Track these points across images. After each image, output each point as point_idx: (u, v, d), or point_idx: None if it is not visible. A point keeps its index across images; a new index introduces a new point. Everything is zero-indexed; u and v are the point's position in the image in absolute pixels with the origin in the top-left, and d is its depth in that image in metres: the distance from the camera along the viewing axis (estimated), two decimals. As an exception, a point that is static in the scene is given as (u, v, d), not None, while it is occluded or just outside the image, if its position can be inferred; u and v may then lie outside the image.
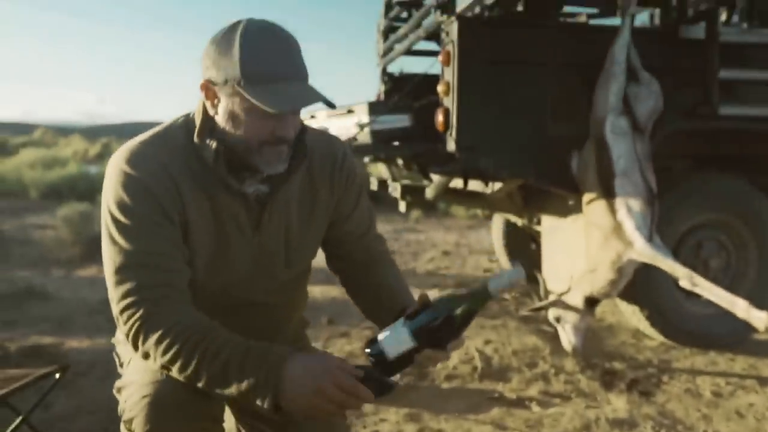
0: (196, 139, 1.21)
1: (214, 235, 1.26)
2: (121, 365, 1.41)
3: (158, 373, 1.17)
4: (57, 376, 1.94)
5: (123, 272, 1.15)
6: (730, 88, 3.19)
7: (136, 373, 1.24)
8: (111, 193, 1.18)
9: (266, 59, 1.14)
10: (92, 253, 5.64)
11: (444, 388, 2.75)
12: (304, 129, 1.29)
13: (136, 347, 1.14)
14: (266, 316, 1.39)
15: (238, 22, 1.16)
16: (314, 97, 1.16)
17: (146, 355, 1.14)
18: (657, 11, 4.03)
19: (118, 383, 1.33)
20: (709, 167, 3.42)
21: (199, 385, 1.12)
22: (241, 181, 1.24)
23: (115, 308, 1.16)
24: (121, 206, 1.17)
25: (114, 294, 1.16)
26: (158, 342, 1.11)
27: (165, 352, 1.11)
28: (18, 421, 1.95)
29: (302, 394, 1.07)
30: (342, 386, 1.07)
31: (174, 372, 1.12)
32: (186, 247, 1.23)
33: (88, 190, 10.24)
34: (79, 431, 2.32)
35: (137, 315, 1.13)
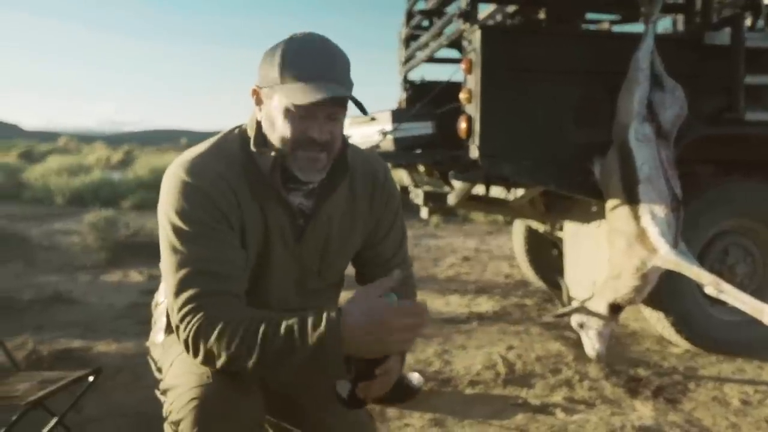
0: (253, 147, 1.25)
1: (261, 243, 1.30)
2: (159, 370, 1.44)
3: (204, 376, 1.20)
4: (91, 378, 1.99)
5: (184, 281, 1.18)
6: (755, 93, 3.16)
7: (182, 376, 1.26)
8: (170, 202, 1.22)
9: (304, 62, 1.18)
10: (117, 258, 5.74)
11: (467, 394, 2.75)
12: (346, 145, 1.32)
13: (197, 352, 1.17)
14: None
15: (290, 36, 1.23)
16: (342, 92, 1.19)
17: (209, 356, 1.16)
18: (680, 17, 4.01)
19: (162, 385, 1.35)
20: (735, 173, 3.38)
21: (269, 364, 1.14)
22: (288, 192, 1.28)
23: (176, 317, 1.18)
24: (182, 214, 1.20)
25: (175, 303, 1.19)
26: (219, 338, 1.14)
27: (229, 346, 1.14)
28: (53, 422, 2.00)
29: (367, 331, 1.11)
30: (397, 312, 1.12)
31: (241, 362, 1.14)
32: (245, 250, 1.27)
33: (112, 196, 10.42)
34: (110, 434, 2.37)
35: (197, 320, 1.16)
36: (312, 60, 1.19)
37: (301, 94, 1.16)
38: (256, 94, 1.25)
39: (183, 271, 1.19)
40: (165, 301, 1.40)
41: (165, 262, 1.22)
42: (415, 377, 2.77)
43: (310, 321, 1.13)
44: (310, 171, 1.24)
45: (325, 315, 1.13)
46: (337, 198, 1.35)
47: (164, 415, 1.26)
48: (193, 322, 1.16)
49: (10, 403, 1.78)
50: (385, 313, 1.11)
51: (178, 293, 1.18)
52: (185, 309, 1.17)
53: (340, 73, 1.21)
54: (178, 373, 1.27)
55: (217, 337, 1.14)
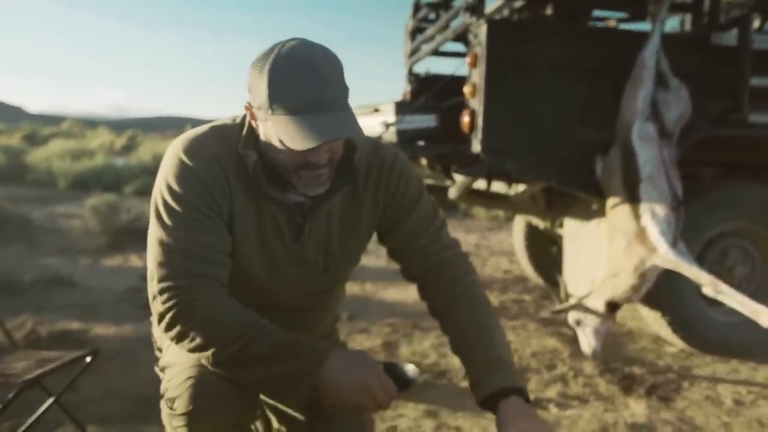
0: (240, 149, 1.22)
1: (256, 238, 1.28)
2: (159, 349, 1.45)
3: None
4: (88, 359, 2.00)
5: (166, 255, 1.17)
6: (760, 96, 3.16)
7: (181, 355, 1.26)
8: (165, 178, 1.21)
9: (293, 89, 1.10)
10: (119, 243, 5.75)
11: (462, 387, 2.76)
12: (353, 148, 1.26)
13: (170, 329, 1.16)
14: (301, 317, 1.41)
15: (275, 46, 1.14)
16: (340, 131, 1.11)
17: (181, 337, 1.15)
18: (687, 17, 4.00)
19: (161, 362, 1.36)
20: (738, 175, 3.38)
21: (234, 367, 1.15)
22: (285, 190, 1.24)
23: (154, 287, 1.17)
24: (173, 192, 1.19)
25: (155, 273, 1.17)
26: (201, 324, 1.13)
27: (207, 334, 1.13)
28: (50, 401, 2.01)
29: (348, 388, 1.12)
30: (383, 386, 1.13)
31: (209, 353, 1.14)
32: (230, 238, 1.24)
33: (114, 181, 10.43)
34: (106, 414, 2.38)
35: (176, 299, 1.15)
36: (301, 86, 1.10)
37: (295, 138, 1.09)
38: (249, 110, 1.19)
39: (166, 246, 1.17)
40: None
41: (151, 232, 1.21)
42: (410, 369, 2.77)
43: (299, 344, 1.14)
44: (314, 187, 1.21)
45: (315, 347, 1.14)
46: (339, 195, 1.30)
47: (161, 392, 1.27)
48: (171, 302, 1.15)
49: (7, 381, 1.79)
50: (374, 378, 1.13)
51: (158, 266, 1.17)
52: (163, 284, 1.16)
53: (333, 93, 1.13)
54: (177, 352, 1.27)
55: (197, 322, 1.14)
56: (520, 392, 1.19)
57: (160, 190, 1.21)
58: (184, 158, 1.21)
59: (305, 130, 1.09)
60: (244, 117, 1.25)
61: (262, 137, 1.19)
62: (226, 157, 1.23)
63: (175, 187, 1.20)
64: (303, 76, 1.10)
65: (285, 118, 1.11)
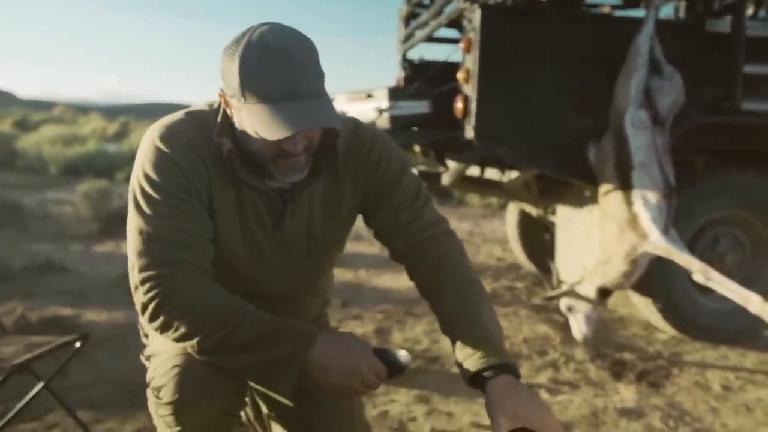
0: (215, 137, 1.20)
1: (238, 225, 1.26)
2: (146, 335, 1.43)
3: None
4: (78, 344, 1.99)
5: (146, 243, 1.15)
6: (754, 83, 3.15)
7: (166, 344, 1.24)
8: (142, 165, 1.19)
9: (265, 79, 1.07)
10: (110, 229, 5.72)
11: (453, 372, 2.77)
12: (335, 133, 1.23)
13: (153, 319, 1.14)
14: (288, 304, 1.40)
15: (246, 32, 1.11)
16: (315, 120, 1.09)
17: (165, 327, 1.14)
18: (682, 4, 3.98)
19: (146, 351, 1.35)
20: (731, 163, 3.38)
21: (220, 354, 1.14)
22: (263, 177, 1.22)
23: (136, 277, 1.15)
24: (150, 180, 1.17)
25: (135, 263, 1.16)
26: (184, 313, 1.12)
27: (191, 323, 1.12)
28: (39, 387, 2.00)
29: (337, 371, 1.11)
30: (373, 368, 1.12)
31: (194, 342, 1.13)
32: (212, 224, 1.22)
33: (106, 167, 10.35)
34: (96, 399, 2.37)
35: (158, 289, 1.13)
36: (273, 74, 1.07)
37: (268, 128, 1.07)
38: (223, 97, 1.17)
39: (146, 235, 1.16)
40: None
41: (130, 221, 1.19)
42: (402, 354, 2.77)
43: (286, 329, 1.13)
44: (291, 174, 1.19)
45: (302, 331, 1.13)
46: (320, 179, 1.28)
47: (147, 380, 1.26)
48: (153, 291, 1.13)
49: (-6, 365, 1.78)
50: (363, 360, 1.12)
51: (139, 255, 1.16)
52: (144, 274, 1.14)
53: (306, 80, 1.10)
54: (162, 341, 1.25)
55: (180, 310, 1.12)
56: (510, 369, 1.14)
57: (137, 178, 1.19)
58: (160, 145, 1.19)
59: (279, 119, 1.07)
60: (220, 104, 1.22)
61: (237, 125, 1.17)
62: (202, 143, 1.20)
63: (152, 174, 1.17)
64: (275, 64, 1.07)
65: (258, 107, 1.08)
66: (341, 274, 4.35)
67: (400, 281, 4.28)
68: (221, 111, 1.21)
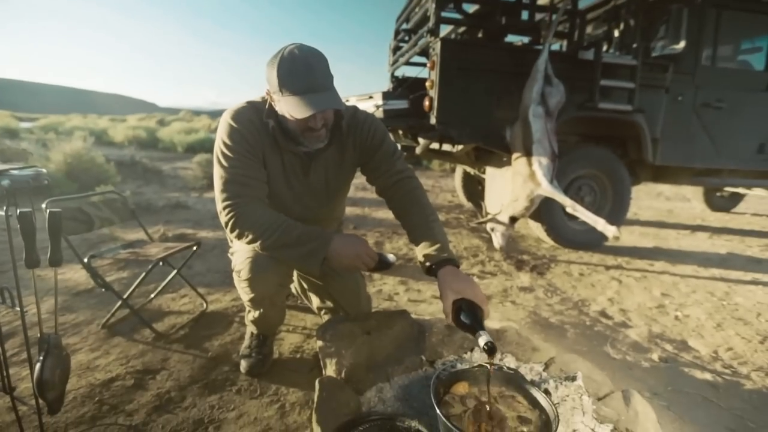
0: (264, 118, 1.16)
1: (281, 174, 1.23)
2: (230, 241, 1.42)
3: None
4: (195, 248, 1.97)
5: (225, 184, 1.13)
6: (606, 91, 3.03)
7: (241, 245, 1.24)
8: (221, 136, 1.16)
9: (294, 79, 1.05)
10: (213, 184, 5.61)
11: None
12: (341, 116, 1.21)
13: (232, 231, 1.12)
14: (314, 224, 1.36)
15: (280, 50, 1.08)
16: (327, 104, 1.06)
17: (241, 234, 1.12)
18: (565, 41, 3.79)
19: (231, 250, 1.34)
20: (589, 141, 3.30)
21: (274, 250, 1.12)
22: (296, 144, 1.19)
23: (219, 205, 1.13)
24: (226, 145, 1.14)
25: (219, 196, 1.13)
26: (250, 226, 1.10)
27: (255, 231, 1.10)
28: (173, 273, 1.99)
29: (346, 256, 1.10)
30: (369, 254, 1.13)
31: (258, 243, 1.11)
32: (266, 174, 1.20)
33: (211, 147, 10.11)
34: (207, 281, 2.36)
35: (234, 211, 1.11)
36: (300, 76, 1.04)
37: (297, 110, 1.05)
38: (268, 94, 1.14)
39: (225, 178, 1.13)
40: None
41: (215, 172, 1.16)
42: (390, 256, 2.76)
43: (313, 233, 1.11)
44: (314, 142, 1.17)
45: (324, 234, 1.12)
46: (332, 146, 1.26)
47: (232, 267, 1.26)
48: (231, 213, 1.11)
49: (147, 259, 1.75)
50: (362, 249, 1.12)
51: (221, 191, 1.13)
52: (225, 203, 1.12)
53: (322, 78, 1.07)
54: (239, 244, 1.25)
55: (248, 224, 1.10)
56: (453, 262, 1.14)
57: (218, 144, 1.16)
58: (232, 122, 1.15)
59: (304, 105, 1.05)
60: (267, 98, 1.19)
61: (278, 111, 1.14)
62: (258, 122, 1.17)
63: (227, 141, 1.14)
64: (300, 69, 1.05)
65: (290, 98, 1.06)
66: (353, 210, 4.31)
67: (389, 214, 4.22)
68: (268, 102, 1.17)
